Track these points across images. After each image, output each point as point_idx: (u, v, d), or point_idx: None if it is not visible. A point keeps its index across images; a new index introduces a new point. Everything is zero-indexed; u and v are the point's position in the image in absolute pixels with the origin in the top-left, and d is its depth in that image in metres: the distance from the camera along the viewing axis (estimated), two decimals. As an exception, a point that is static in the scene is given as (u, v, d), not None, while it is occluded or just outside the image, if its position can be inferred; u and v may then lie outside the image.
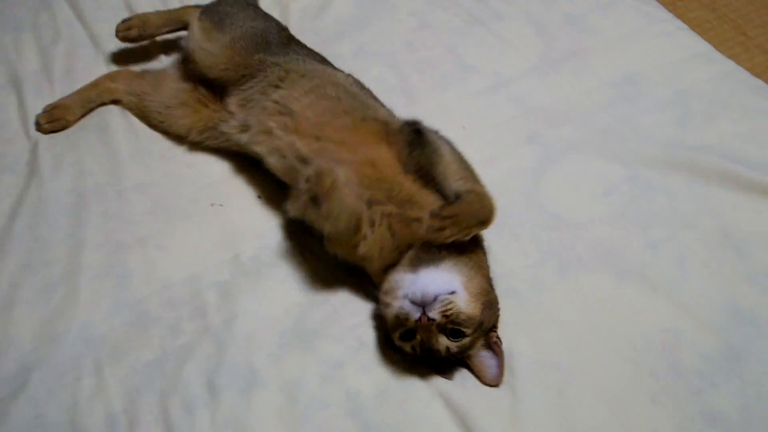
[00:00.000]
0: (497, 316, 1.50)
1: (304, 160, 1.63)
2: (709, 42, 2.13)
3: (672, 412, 1.42)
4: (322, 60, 1.89)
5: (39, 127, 1.92)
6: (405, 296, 1.45)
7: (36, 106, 1.94)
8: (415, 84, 2.01)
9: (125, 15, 2.10)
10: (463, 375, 1.49)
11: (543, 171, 1.80)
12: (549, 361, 1.49)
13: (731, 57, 2.19)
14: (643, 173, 1.78)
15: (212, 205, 1.79)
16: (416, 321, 1.41)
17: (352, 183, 1.53)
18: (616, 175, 1.78)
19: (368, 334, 1.56)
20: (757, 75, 2.19)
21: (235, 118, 1.81)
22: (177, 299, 1.62)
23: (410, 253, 1.53)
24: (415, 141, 1.60)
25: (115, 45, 2.07)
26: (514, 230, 1.69)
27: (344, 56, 2.02)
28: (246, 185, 1.83)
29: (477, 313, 1.43)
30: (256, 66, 1.81)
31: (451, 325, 1.42)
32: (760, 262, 1.61)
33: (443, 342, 1.43)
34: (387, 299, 1.49)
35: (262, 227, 1.75)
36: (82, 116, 1.96)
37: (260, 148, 1.74)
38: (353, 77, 1.82)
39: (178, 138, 1.91)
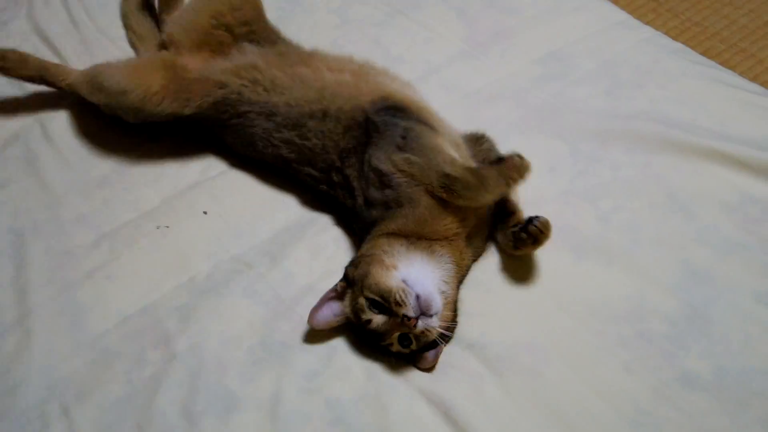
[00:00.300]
0: None
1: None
2: (623, 10, 2.17)
3: (647, 379, 1.44)
4: None
5: None
6: (412, 286, 1.45)
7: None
8: (344, 81, 1.98)
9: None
10: (444, 371, 1.49)
11: (486, 153, 1.81)
12: (522, 344, 1.50)
13: (646, 23, 2.25)
14: (584, 147, 1.81)
15: (158, 227, 1.75)
16: (405, 316, 1.41)
17: None
18: (558, 150, 1.81)
19: (338, 339, 1.55)
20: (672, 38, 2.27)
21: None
22: (137, 330, 1.58)
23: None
24: None
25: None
26: None
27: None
28: (189, 203, 1.79)
29: (437, 333, 1.45)
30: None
31: (415, 341, 1.45)
32: (706, 221, 1.66)
33: (396, 344, 1.46)
34: (388, 262, 1.49)
35: (212, 244, 1.72)
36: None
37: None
38: None
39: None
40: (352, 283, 1.51)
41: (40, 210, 1.78)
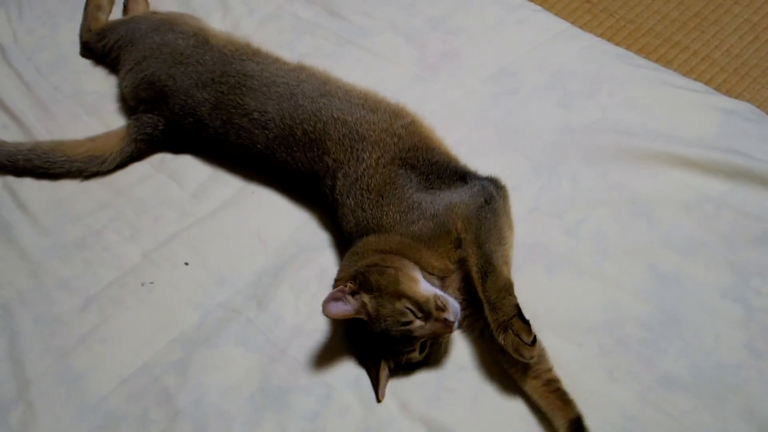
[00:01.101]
0: None
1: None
2: (559, 15, 2.26)
3: (630, 385, 1.53)
4: None
5: None
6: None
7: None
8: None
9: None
10: (438, 396, 1.57)
11: (453, 179, 1.87)
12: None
13: (582, 26, 2.34)
14: (544, 161, 1.89)
15: (143, 284, 1.78)
16: (446, 319, 1.53)
17: None
18: (520, 167, 1.89)
19: (334, 376, 1.61)
20: (609, 38, 2.36)
21: None
22: (137, 391, 1.62)
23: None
24: None
25: None
26: None
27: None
28: (169, 256, 1.83)
29: None
30: None
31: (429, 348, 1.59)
32: (668, 223, 1.75)
33: (417, 350, 1.57)
34: (412, 275, 1.59)
35: (198, 294, 1.76)
36: None
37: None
38: None
39: None
40: (370, 288, 1.58)
41: (23, 279, 1.79)
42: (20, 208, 1.92)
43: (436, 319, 1.54)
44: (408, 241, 1.66)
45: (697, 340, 1.58)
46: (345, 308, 1.56)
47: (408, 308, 1.54)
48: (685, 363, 1.56)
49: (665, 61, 2.36)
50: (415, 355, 1.57)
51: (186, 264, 1.81)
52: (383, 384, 1.57)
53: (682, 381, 1.53)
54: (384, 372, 1.58)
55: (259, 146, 1.87)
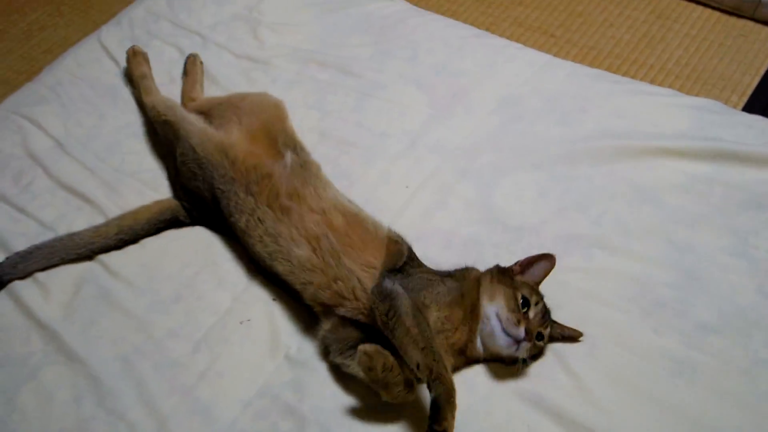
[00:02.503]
0: None
1: (338, 261, 1.93)
2: (541, 51, 2.63)
3: (673, 336, 1.86)
4: None
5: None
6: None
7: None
8: (347, 165, 2.32)
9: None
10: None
11: (487, 196, 2.19)
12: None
13: (554, 56, 2.71)
14: (558, 170, 2.23)
15: (241, 323, 2.00)
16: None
17: None
18: (540, 178, 2.22)
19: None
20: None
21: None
22: (261, 410, 1.83)
23: None
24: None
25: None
26: (492, 253, 2.05)
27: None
28: (256, 295, 2.06)
29: None
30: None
31: None
32: (672, 204, 2.11)
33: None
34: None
35: (292, 324, 2.00)
36: None
37: (285, 228, 2.01)
38: None
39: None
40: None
41: (133, 334, 1.98)
42: (114, 275, 2.11)
43: None
44: None
45: (717, 292, 1.92)
46: None
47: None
48: (712, 311, 1.89)
49: (629, 77, 2.76)
50: None
51: (273, 300, 2.07)
52: None
53: (713, 325, 1.87)
54: None
55: None
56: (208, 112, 2.46)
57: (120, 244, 2.19)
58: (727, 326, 1.86)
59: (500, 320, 1.82)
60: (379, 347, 1.72)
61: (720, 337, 1.85)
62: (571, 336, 1.89)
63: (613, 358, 1.84)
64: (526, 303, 1.84)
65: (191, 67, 2.65)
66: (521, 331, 1.79)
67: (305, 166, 2.15)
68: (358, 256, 1.93)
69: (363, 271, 1.91)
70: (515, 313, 1.81)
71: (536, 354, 1.85)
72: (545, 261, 1.93)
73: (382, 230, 2.01)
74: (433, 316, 1.82)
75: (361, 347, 1.71)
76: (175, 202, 2.26)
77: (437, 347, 1.72)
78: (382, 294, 1.81)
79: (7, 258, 2.11)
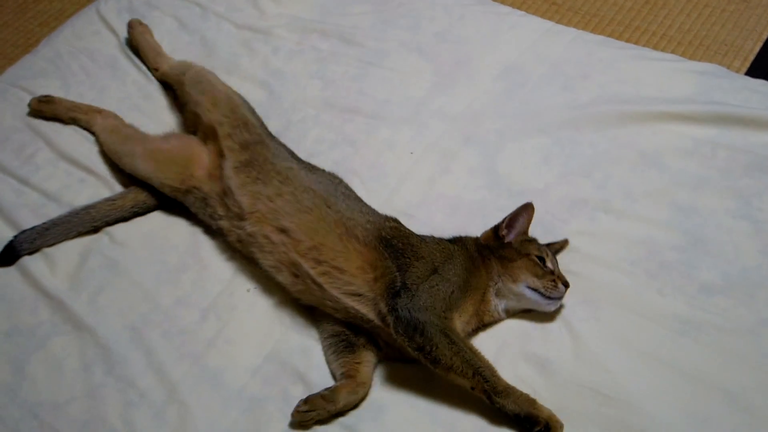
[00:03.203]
0: None
1: (320, 287, 1.88)
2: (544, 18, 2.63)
3: (678, 297, 1.87)
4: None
5: (30, 106, 2.41)
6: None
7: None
8: (351, 132, 2.33)
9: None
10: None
11: (492, 162, 2.20)
12: (577, 302, 1.90)
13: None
14: (562, 136, 2.23)
15: (248, 290, 2.02)
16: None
17: None
18: (544, 144, 2.23)
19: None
20: (581, 31, 2.73)
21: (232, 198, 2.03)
22: (271, 375, 1.84)
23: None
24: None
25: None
26: (497, 218, 2.00)
27: (276, 130, 2.29)
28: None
29: None
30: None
31: None
32: (676, 167, 2.12)
33: None
34: None
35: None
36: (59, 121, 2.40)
37: (262, 256, 1.97)
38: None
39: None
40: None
41: (141, 304, 2.00)
42: (120, 246, 2.11)
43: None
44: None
45: (721, 253, 1.93)
46: None
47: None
48: (716, 272, 1.90)
49: (629, 43, 2.75)
50: None
51: (248, 290, 2.03)
52: None
53: (717, 286, 1.88)
54: None
55: None
56: (172, 87, 2.49)
57: (133, 216, 2.21)
58: (731, 287, 1.87)
59: (536, 290, 1.85)
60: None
61: (724, 297, 1.86)
62: (563, 246, 1.99)
63: (619, 320, 1.85)
64: (542, 259, 1.87)
65: (140, 37, 2.61)
66: (562, 289, 1.84)
67: (253, 164, 2.07)
68: (344, 283, 1.87)
69: (352, 301, 1.86)
70: (545, 277, 1.85)
71: None
72: (526, 211, 1.95)
73: (371, 234, 1.92)
74: (458, 325, 1.81)
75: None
76: None
77: (483, 363, 1.71)
78: (407, 330, 1.74)
79: (22, 232, 2.11)
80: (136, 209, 2.19)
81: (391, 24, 2.65)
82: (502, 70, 2.44)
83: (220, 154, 2.12)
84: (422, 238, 1.94)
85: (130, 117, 2.44)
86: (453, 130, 2.30)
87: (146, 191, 2.20)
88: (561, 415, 1.68)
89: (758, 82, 2.33)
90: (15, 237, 2.09)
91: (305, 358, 1.88)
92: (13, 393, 1.86)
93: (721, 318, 1.82)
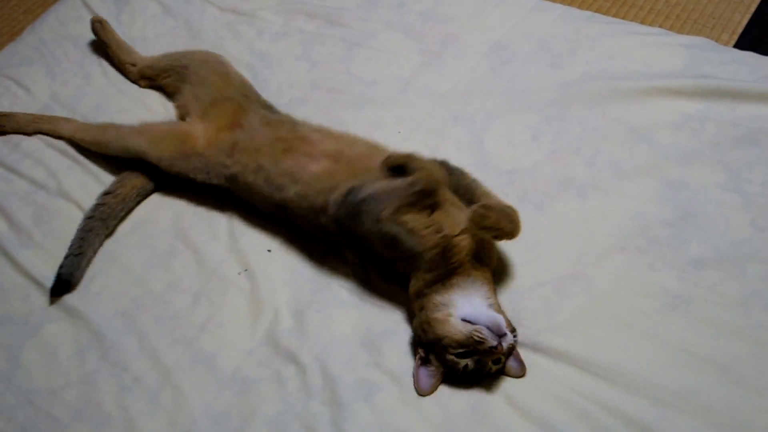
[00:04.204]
0: None
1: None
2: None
3: (669, 272, 1.86)
4: None
5: None
6: (476, 321, 1.69)
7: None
8: (338, 112, 2.31)
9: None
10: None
11: (480, 140, 2.19)
12: (568, 276, 1.90)
13: (546, -1, 2.68)
14: (550, 113, 2.22)
15: (239, 273, 2.02)
16: (491, 347, 1.65)
17: None
18: (533, 121, 2.21)
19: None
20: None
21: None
22: (264, 358, 1.86)
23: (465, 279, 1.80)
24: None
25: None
26: None
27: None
28: (251, 247, 2.07)
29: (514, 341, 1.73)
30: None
31: (504, 356, 1.71)
32: (665, 142, 2.11)
33: (494, 367, 1.71)
34: (441, 315, 1.73)
35: (290, 274, 2.01)
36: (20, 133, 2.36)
37: (300, 154, 2.01)
38: None
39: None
40: (429, 347, 1.75)
41: (132, 289, 2.01)
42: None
43: (484, 351, 1.67)
44: (419, 274, 1.81)
45: (711, 227, 1.93)
46: (432, 380, 1.73)
47: (455, 354, 1.69)
48: (707, 246, 1.90)
49: (618, 17, 2.75)
50: (497, 368, 1.71)
51: (269, 251, 2.07)
52: None
53: (708, 260, 1.87)
54: None
55: None
56: (155, 78, 2.47)
57: (137, 204, 2.21)
58: (721, 260, 1.87)
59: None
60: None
61: (715, 271, 1.86)
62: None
63: (610, 295, 1.85)
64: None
65: (105, 35, 2.57)
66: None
67: (273, 123, 2.16)
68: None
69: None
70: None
71: None
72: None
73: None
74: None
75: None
76: None
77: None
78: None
79: (63, 264, 2.05)
80: (139, 198, 2.21)
81: (377, 4, 2.63)
82: (488, 47, 2.43)
83: (243, 113, 2.18)
84: None
85: (115, 102, 2.44)
86: (440, 109, 2.29)
87: (139, 173, 2.20)
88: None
89: (746, 54, 2.32)
90: (60, 271, 2.04)
91: (299, 340, 1.88)
92: (7, 380, 1.88)
93: (711, 291, 1.82)
